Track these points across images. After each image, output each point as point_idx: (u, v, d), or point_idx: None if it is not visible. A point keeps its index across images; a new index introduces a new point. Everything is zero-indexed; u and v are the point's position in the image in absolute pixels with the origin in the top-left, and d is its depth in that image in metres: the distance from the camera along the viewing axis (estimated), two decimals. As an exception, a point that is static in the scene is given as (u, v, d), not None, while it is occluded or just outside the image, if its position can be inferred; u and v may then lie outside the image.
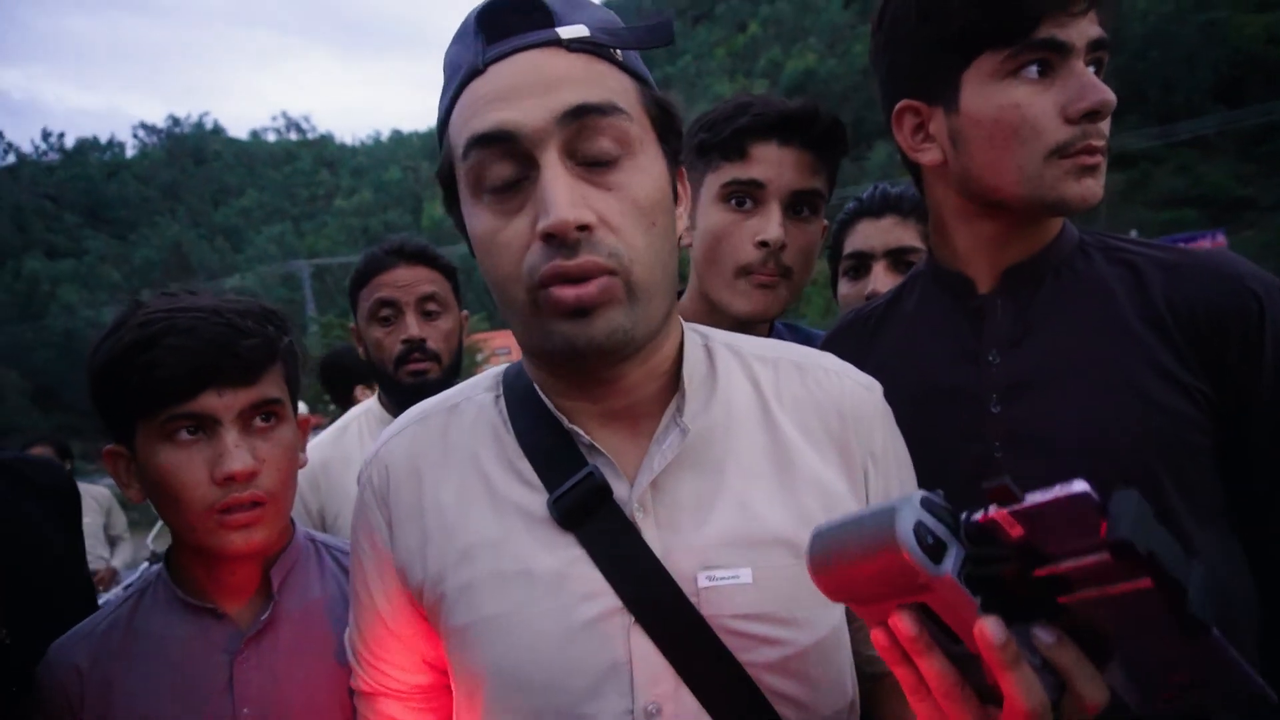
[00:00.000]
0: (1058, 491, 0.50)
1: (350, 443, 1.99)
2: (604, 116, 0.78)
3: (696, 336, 0.94)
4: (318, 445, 2.00)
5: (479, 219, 0.81)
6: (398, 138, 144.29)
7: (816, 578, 0.60)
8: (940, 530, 0.55)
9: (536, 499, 0.86)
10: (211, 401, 1.03)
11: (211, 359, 1.03)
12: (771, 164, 1.45)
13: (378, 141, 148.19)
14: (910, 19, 1.08)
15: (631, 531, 0.83)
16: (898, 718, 0.93)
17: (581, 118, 0.77)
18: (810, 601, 0.82)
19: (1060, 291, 1.11)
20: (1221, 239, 25.43)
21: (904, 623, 0.58)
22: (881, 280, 1.75)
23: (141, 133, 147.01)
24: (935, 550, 0.54)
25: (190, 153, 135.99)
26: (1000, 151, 1.05)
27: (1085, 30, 1.00)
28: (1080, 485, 0.49)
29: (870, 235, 1.81)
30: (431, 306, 1.97)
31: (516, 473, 0.88)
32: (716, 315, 1.52)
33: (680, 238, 1.64)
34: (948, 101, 1.08)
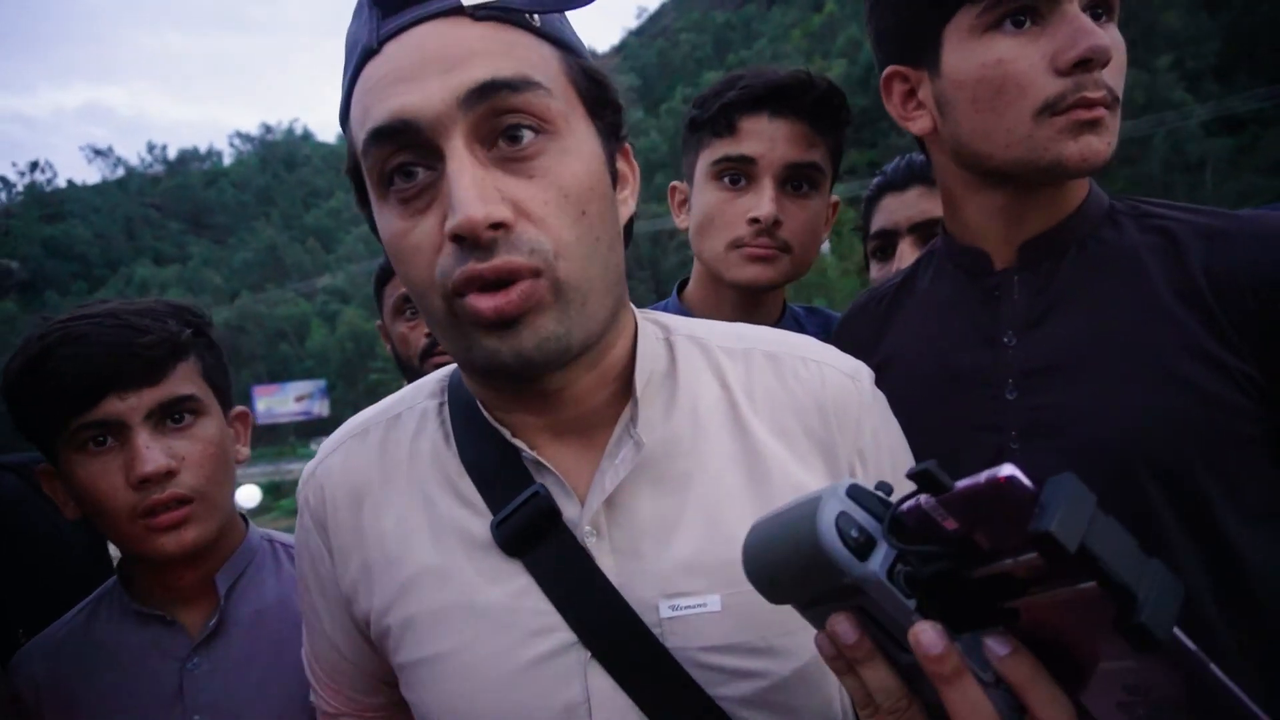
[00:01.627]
0: (984, 476, 0.43)
1: None
2: (516, 93, 0.66)
3: (655, 329, 0.84)
4: None
5: (386, 220, 0.71)
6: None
7: (751, 579, 0.55)
8: (869, 524, 0.49)
9: (480, 523, 0.77)
10: (115, 406, 1.00)
11: (108, 363, 0.99)
12: (763, 138, 1.37)
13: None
14: None
15: (584, 558, 0.74)
16: None
17: (490, 97, 0.65)
18: (789, 626, 0.72)
19: (1085, 266, 0.99)
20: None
21: (842, 627, 0.51)
22: (908, 258, 1.55)
23: (237, 141, 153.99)
24: (862, 548, 0.48)
25: (282, 158, 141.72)
26: (986, 114, 0.94)
27: None
28: (1008, 469, 0.42)
29: (895, 210, 1.67)
30: None
31: (458, 493, 0.79)
32: (721, 294, 1.48)
33: (679, 221, 1.61)
34: (931, 64, 0.99)
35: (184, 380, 1.05)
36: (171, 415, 1.04)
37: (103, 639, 1.09)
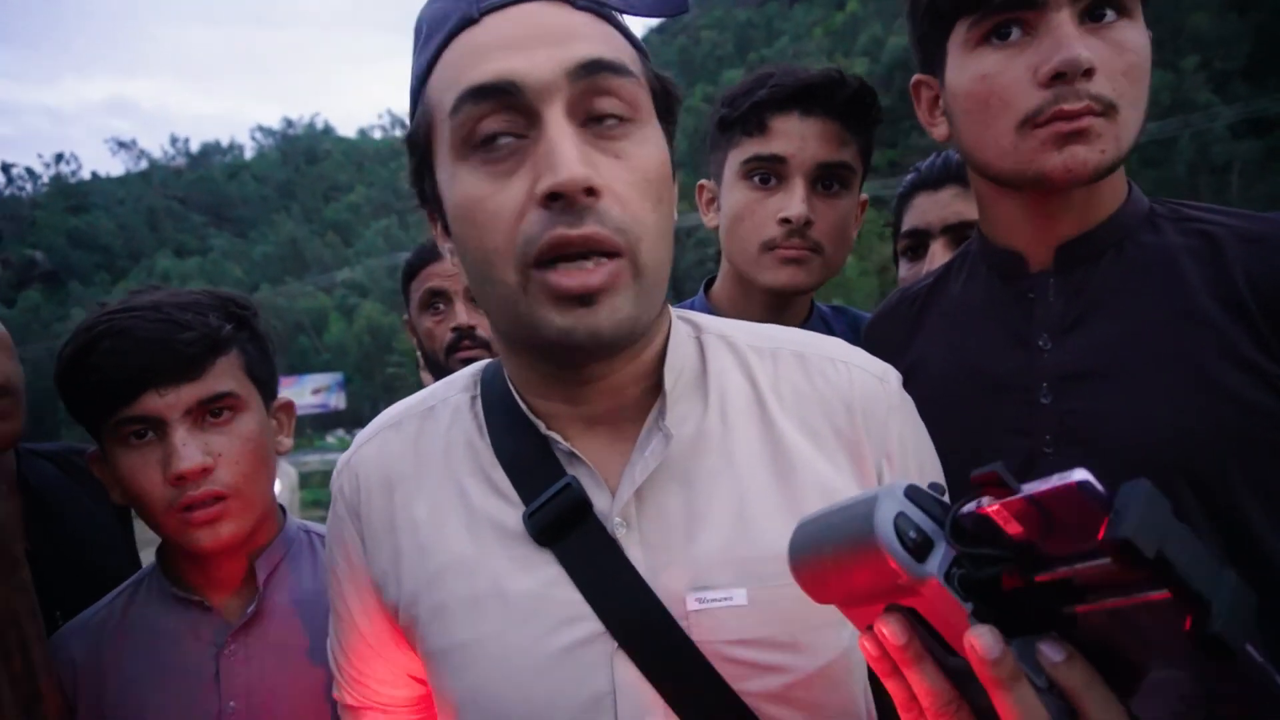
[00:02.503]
0: (1055, 481, 0.42)
1: None
2: (618, 76, 0.69)
3: (687, 328, 0.85)
4: None
5: (464, 183, 0.70)
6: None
7: (796, 575, 0.55)
8: (927, 525, 0.48)
9: (512, 513, 0.77)
10: (153, 402, 1.00)
11: (147, 358, 1.00)
12: (793, 137, 1.36)
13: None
14: None
15: (614, 549, 0.75)
16: None
17: (595, 74, 0.68)
18: (815, 623, 0.73)
19: (1122, 269, 0.98)
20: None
21: (890, 629, 0.50)
22: (940, 260, 1.54)
23: (259, 135, 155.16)
24: (920, 548, 0.47)
25: (303, 152, 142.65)
26: (977, 126, 0.96)
27: None
28: (1080, 474, 0.41)
29: (927, 210, 1.63)
30: None
31: (492, 484, 0.79)
32: (750, 295, 1.47)
33: (707, 220, 1.61)
34: (941, 75, 1.01)
35: (223, 376, 1.06)
36: (210, 411, 1.05)
37: (141, 622, 1.11)
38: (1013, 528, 0.44)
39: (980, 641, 0.45)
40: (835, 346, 0.87)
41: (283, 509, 1.20)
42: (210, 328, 1.05)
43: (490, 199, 0.69)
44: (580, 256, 0.67)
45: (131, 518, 1.48)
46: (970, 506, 0.47)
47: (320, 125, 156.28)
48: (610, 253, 0.68)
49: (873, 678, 0.79)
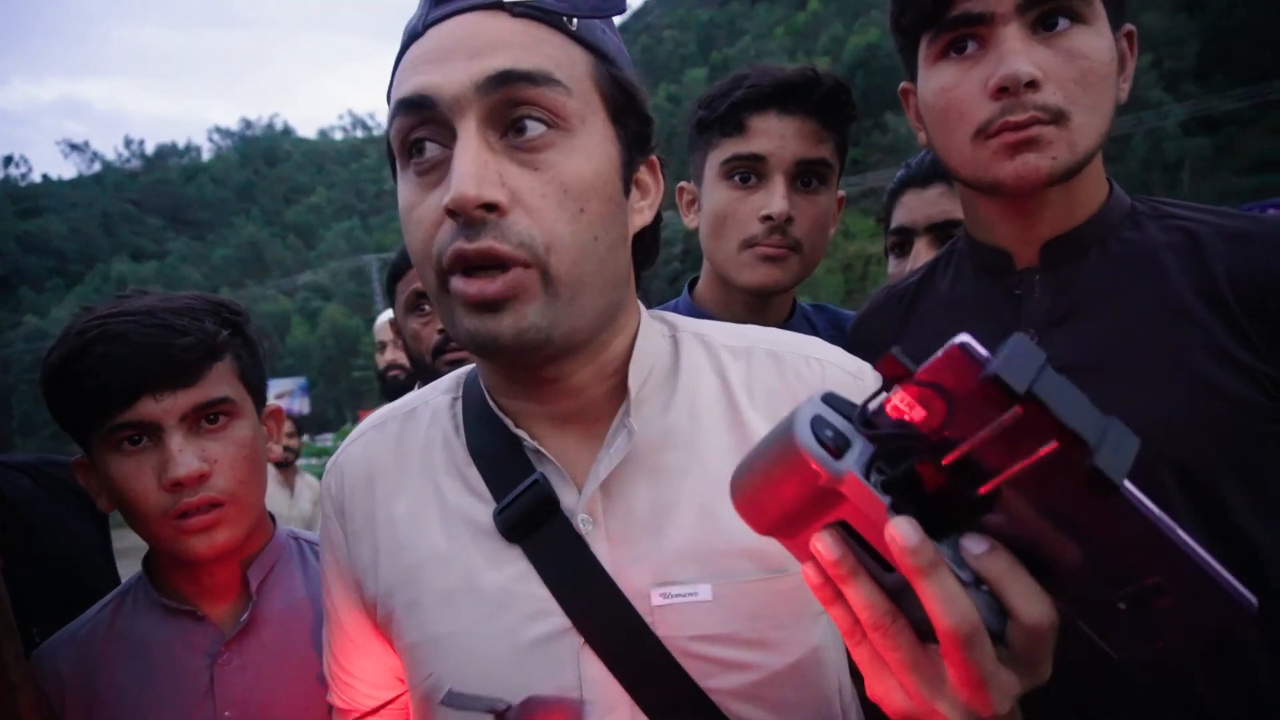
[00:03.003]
0: (940, 351, 0.44)
1: None
2: (534, 86, 0.69)
3: (661, 328, 0.86)
4: None
5: (403, 190, 0.74)
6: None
7: (736, 505, 0.55)
8: (843, 426, 0.49)
9: (484, 509, 0.79)
10: (149, 408, 0.99)
11: (143, 364, 0.98)
12: (772, 136, 1.39)
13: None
14: (890, 6, 1.05)
15: (579, 545, 0.76)
16: None
17: (506, 85, 0.68)
18: (783, 619, 0.74)
19: (1106, 266, 1.00)
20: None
21: (824, 544, 0.50)
22: (924, 258, 1.55)
23: (216, 136, 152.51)
24: (837, 448, 0.48)
25: (262, 154, 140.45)
26: (941, 134, 1.01)
27: None
28: (962, 336, 0.43)
29: (914, 208, 1.65)
30: None
31: (465, 481, 0.81)
32: (731, 294, 1.48)
33: (687, 221, 1.61)
34: (916, 84, 1.06)
35: (219, 382, 1.05)
36: (205, 417, 1.04)
37: (129, 633, 1.08)
38: (917, 413, 0.45)
39: (897, 530, 0.46)
40: (812, 345, 0.87)
41: (272, 517, 1.19)
42: (206, 333, 1.04)
43: (417, 207, 0.72)
44: (479, 268, 0.69)
45: (109, 529, 1.45)
46: (878, 400, 0.48)
47: (280, 126, 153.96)
48: (510, 264, 0.69)
49: (856, 678, 0.79)
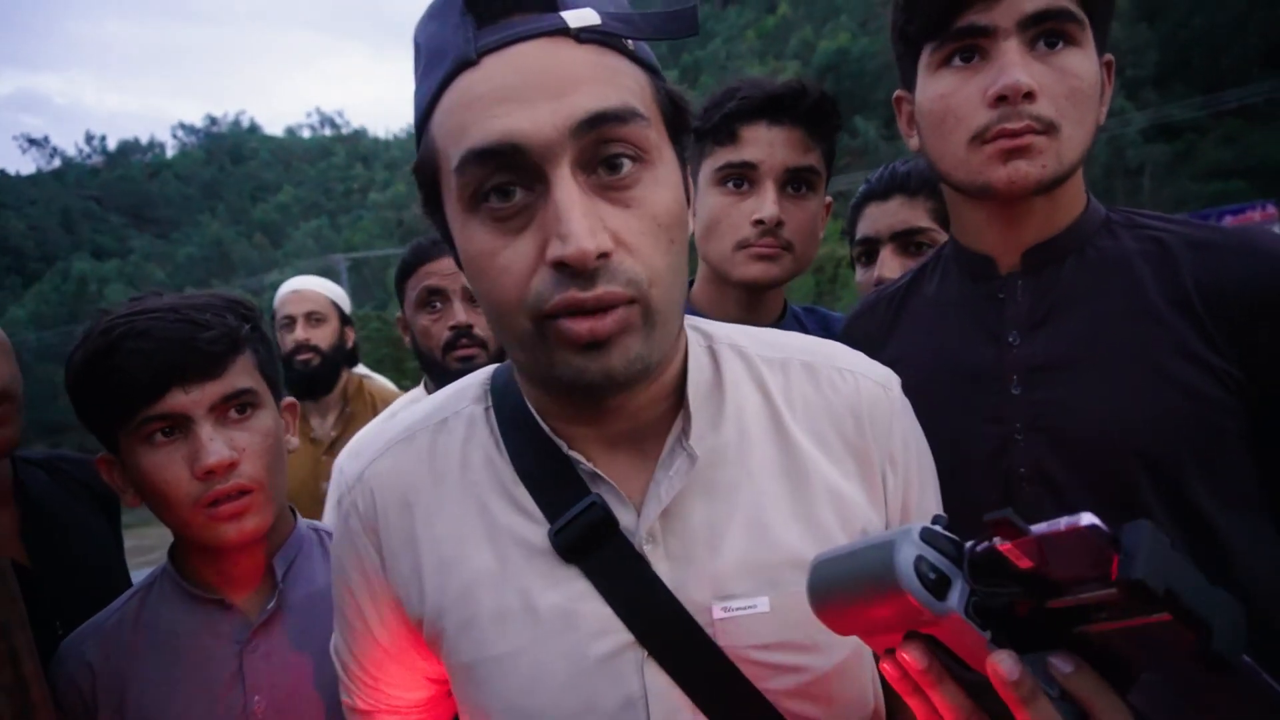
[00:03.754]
0: (1064, 525, 0.46)
1: None
2: (623, 125, 0.68)
3: (700, 339, 0.88)
4: (367, 434, 2.05)
5: (474, 237, 0.71)
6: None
7: (818, 613, 0.58)
8: (942, 564, 0.52)
9: (536, 530, 0.80)
10: (179, 399, 1.03)
11: (172, 357, 1.03)
12: (762, 144, 1.48)
13: (410, 135, 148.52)
14: (893, 14, 1.13)
15: (641, 563, 0.78)
16: None
17: (598, 127, 0.66)
18: None
19: (1083, 271, 1.08)
20: (1272, 210, 24.59)
21: (912, 655, 0.54)
22: (889, 265, 1.69)
23: (181, 133, 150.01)
24: (938, 586, 0.51)
25: (228, 151, 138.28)
26: (937, 139, 1.08)
27: (1016, 6, 0.98)
28: (1088, 518, 0.45)
29: (876, 219, 1.75)
30: None
31: (513, 500, 0.82)
32: (725, 293, 1.57)
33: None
34: (913, 91, 1.13)
35: (242, 374, 1.09)
36: (232, 408, 1.08)
37: (157, 623, 1.12)
38: (1023, 563, 0.49)
39: (1002, 666, 0.50)
40: (841, 354, 0.91)
41: (292, 509, 1.23)
42: (229, 327, 1.09)
43: (500, 254, 0.69)
44: (593, 311, 0.68)
45: (121, 526, 1.48)
46: (983, 545, 0.51)
47: (246, 123, 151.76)
48: (620, 303, 0.69)
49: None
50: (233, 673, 1.09)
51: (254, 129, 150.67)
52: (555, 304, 0.68)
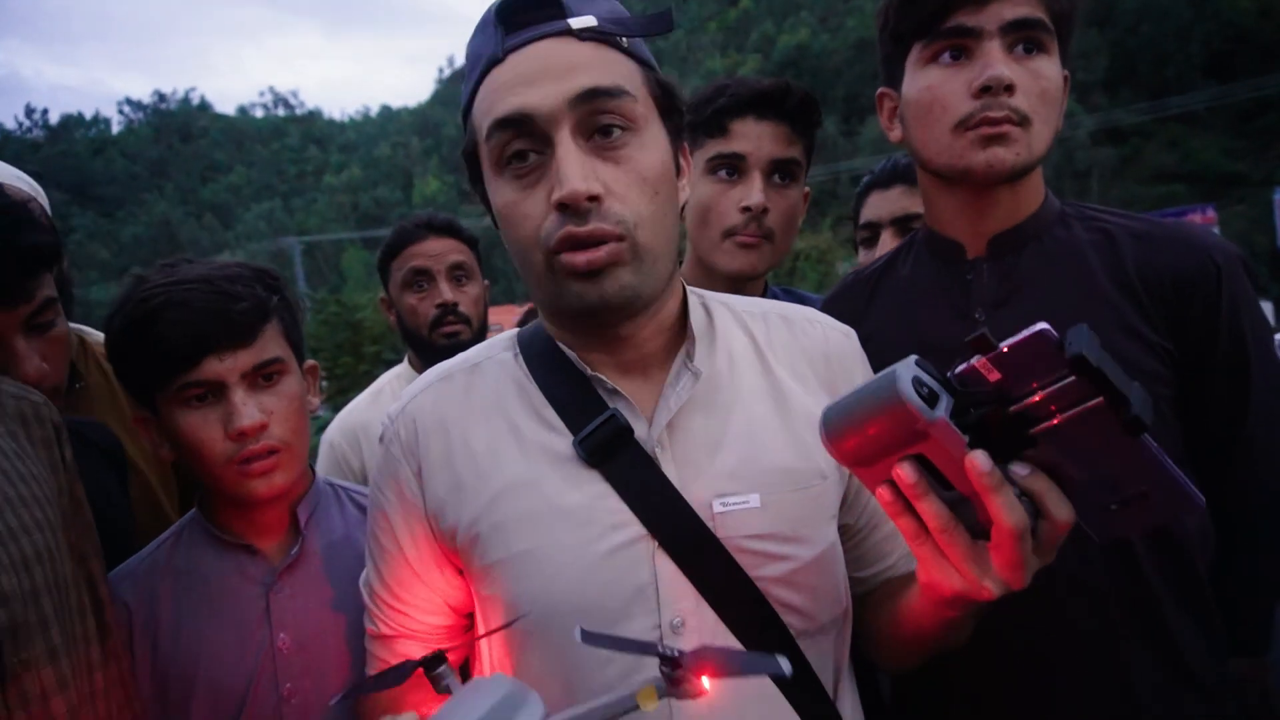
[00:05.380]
0: (1024, 333, 0.60)
1: (386, 404, 2.11)
2: (612, 99, 0.86)
3: (695, 296, 1.03)
4: (354, 409, 2.16)
5: (502, 192, 0.90)
6: (387, 113, 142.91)
7: (831, 446, 0.69)
8: (932, 384, 0.64)
9: (562, 441, 0.94)
10: (214, 366, 1.11)
11: (208, 327, 1.10)
12: (750, 137, 1.60)
13: (367, 117, 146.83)
14: (881, 16, 1.24)
15: (652, 466, 0.92)
16: (881, 625, 1.03)
17: (592, 100, 0.85)
18: (811, 521, 0.94)
19: (1041, 257, 1.21)
20: (1211, 214, 25.55)
21: (905, 472, 0.66)
22: (890, 247, 1.82)
23: (127, 109, 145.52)
24: (930, 400, 0.63)
25: (177, 129, 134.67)
26: (921, 128, 1.20)
27: (999, 13, 1.11)
28: (1041, 324, 0.59)
29: (879, 205, 1.96)
30: (460, 274, 2.15)
31: (542, 419, 0.96)
32: (710, 278, 1.67)
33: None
34: (898, 86, 1.25)
35: (271, 342, 1.17)
36: (262, 375, 1.16)
37: (186, 567, 1.20)
38: (993, 375, 0.63)
39: (978, 460, 0.63)
40: (809, 311, 1.09)
41: (311, 467, 1.31)
42: (260, 298, 1.16)
43: (521, 204, 0.89)
44: (586, 244, 0.85)
45: (129, 485, 1.54)
46: (963, 366, 0.65)
47: (196, 101, 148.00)
48: (609, 240, 0.86)
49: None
50: (260, 612, 1.17)
51: (204, 107, 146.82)
52: (558, 238, 0.86)
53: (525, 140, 0.87)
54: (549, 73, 0.86)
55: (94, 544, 1.08)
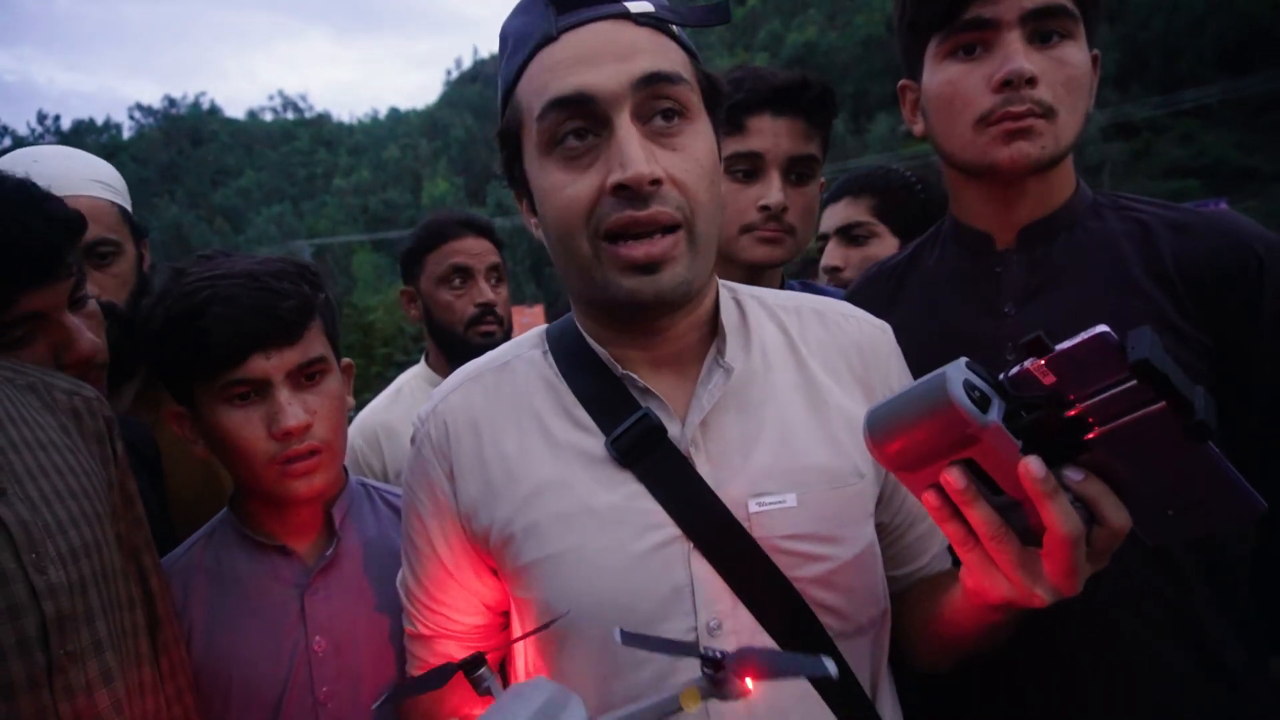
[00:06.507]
0: (1082, 336, 0.57)
1: (405, 404, 2.12)
2: (672, 84, 0.85)
3: (726, 290, 1.02)
4: (374, 410, 2.15)
5: (548, 174, 0.87)
6: (395, 116, 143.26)
7: (876, 449, 0.67)
8: (984, 386, 0.62)
9: (594, 441, 0.92)
10: (260, 364, 1.09)
11: (255, 325, 1.08)
12: (767, 135, 1.57)
13: (375, 120, 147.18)
14: (898, 7, 1.22)
15: (686, 466, 0.90)
16: (920, 623, 1.00)
17: (653, 84, 0.84)
18: (847, 519, 0.92)
19: (1073, 248, 1.18)
20: (1225, 209, 25.30)
21: (954, 476, 0.65)
22: (833, 253, 2.14)
23: (138, 114, 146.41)
24: (981, 403, 0.61)
25: (187, 134, 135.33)
26: (944, 122, 1.17)
27: (1018, 2, 1.08)
28: (1101, 326, 0.57)
29: (828, 218, 2.16)
30: (495, 276, 2.17)
31: (573, 419, 0.94)
32: (730, 273, 1.63)
33: None
34: (919, 79, 1.22)
35: (315, 340, 1.15)
36: (305, 374, 1.14)
37: (219, 568, 1.18)
38: (1048, 379, 0.61)
39: (1032, 465, 0.62)
40: (843, 305, 1.07)
41: (344, 467, 1.29)
42: (305, 295, 1.14)
43: (569, 187, 0.86)
44: (646, 234, 0.83)
45: (164, 484, 1.53)
46: (1015, 370, 0.63)
47: (206, 105, 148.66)
48: (670, 227, 0.84)
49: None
50: (294, 614, 1.16)
51: (214, 111, 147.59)
52: (614, 221, 0.83)
53: (581, 121, 0.85)
54: (611, 53, 0.84)
55: (145, 537, 1.08)
